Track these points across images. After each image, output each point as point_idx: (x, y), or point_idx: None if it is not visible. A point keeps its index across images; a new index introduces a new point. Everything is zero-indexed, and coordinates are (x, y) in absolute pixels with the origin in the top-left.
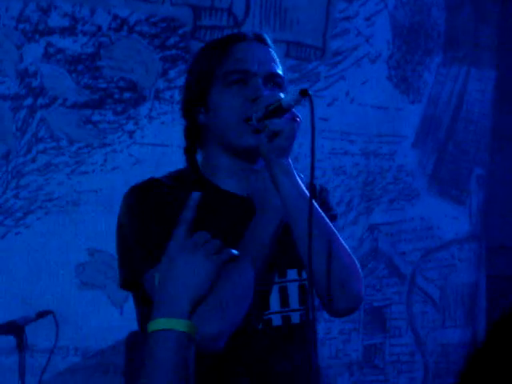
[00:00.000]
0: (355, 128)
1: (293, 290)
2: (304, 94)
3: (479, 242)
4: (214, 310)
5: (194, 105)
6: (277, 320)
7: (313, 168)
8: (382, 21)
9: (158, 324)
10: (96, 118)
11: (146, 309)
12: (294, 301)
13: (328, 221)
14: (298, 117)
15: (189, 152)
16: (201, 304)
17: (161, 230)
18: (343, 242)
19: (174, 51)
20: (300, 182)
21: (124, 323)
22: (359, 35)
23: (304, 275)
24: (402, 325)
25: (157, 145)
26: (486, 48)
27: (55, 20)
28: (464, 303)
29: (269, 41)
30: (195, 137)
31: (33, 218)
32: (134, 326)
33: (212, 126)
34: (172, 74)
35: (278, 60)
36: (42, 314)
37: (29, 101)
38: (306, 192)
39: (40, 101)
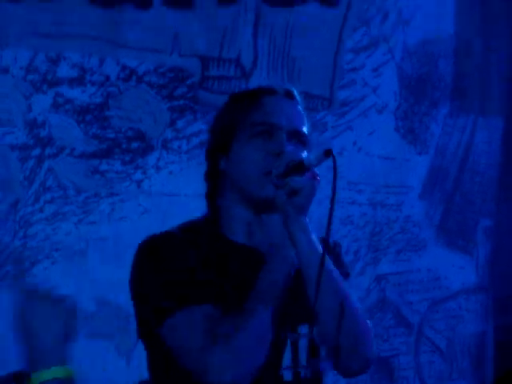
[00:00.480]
0: (362, 178)
1: (304, 346)
2: (328, 154)
3: (486, 293)
4: (235, 358)
5: (217, 151)
6: (287, 375)
7: (329, 230)
8: (389, 72)
9: (45, 375)
10: (104, 167)
11: (159, 356)
12: (304, 356)
13: (342, 281)
14: (317, 175)
15: (209, 197)
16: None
17: (174, 282)
18: (356, 302)
19: (181, 101)
20: (316, 240)
21: (131, 374)
22: (366, 86)
23: (314, 330)
24: (409, 375)
25: (164, 194)
26: (493, 97)
27: (64, 70)
28: (471, 354)
29: (298, 97)
30: (215, 181)
31: (40, 268)
32: (141, 377)
33: (232, 174)
34: (180, 124)
35: (305, 117)
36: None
37: (37, 151)
38: (321, 251)
39: (48, 151)
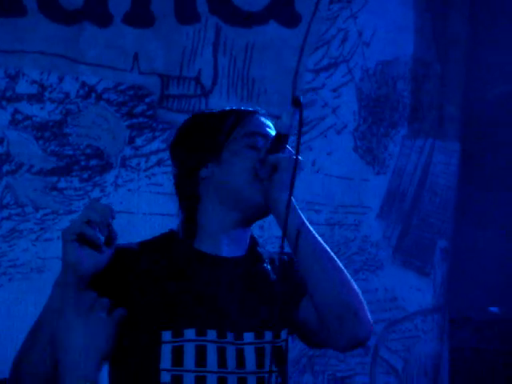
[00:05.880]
0: (320, 198)
1: (249, 353)
2: (296, 102)
3: (443, 314)
4: None
5: (202, 158)
6: (252, 381)
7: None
8: (348, 92)
9: None
10: (62, 184)
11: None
12: (250, 363)
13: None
14: (294, 154)
15: (192, 202)
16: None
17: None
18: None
19: (141, 119)
20: (303, 216)
21: None
22: (326, 106)
23: (266, 337)
24: None
25: (122, 212)
26: (450, 121)
27: (23, 87)
28: (427, 374)
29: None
30: (194, 189)
31: None
32: None
33: (221, 179)
34: (139, 141)
35: None
36: (2, 382)
37: None
38: (311, 227)
39: (6, 167)
